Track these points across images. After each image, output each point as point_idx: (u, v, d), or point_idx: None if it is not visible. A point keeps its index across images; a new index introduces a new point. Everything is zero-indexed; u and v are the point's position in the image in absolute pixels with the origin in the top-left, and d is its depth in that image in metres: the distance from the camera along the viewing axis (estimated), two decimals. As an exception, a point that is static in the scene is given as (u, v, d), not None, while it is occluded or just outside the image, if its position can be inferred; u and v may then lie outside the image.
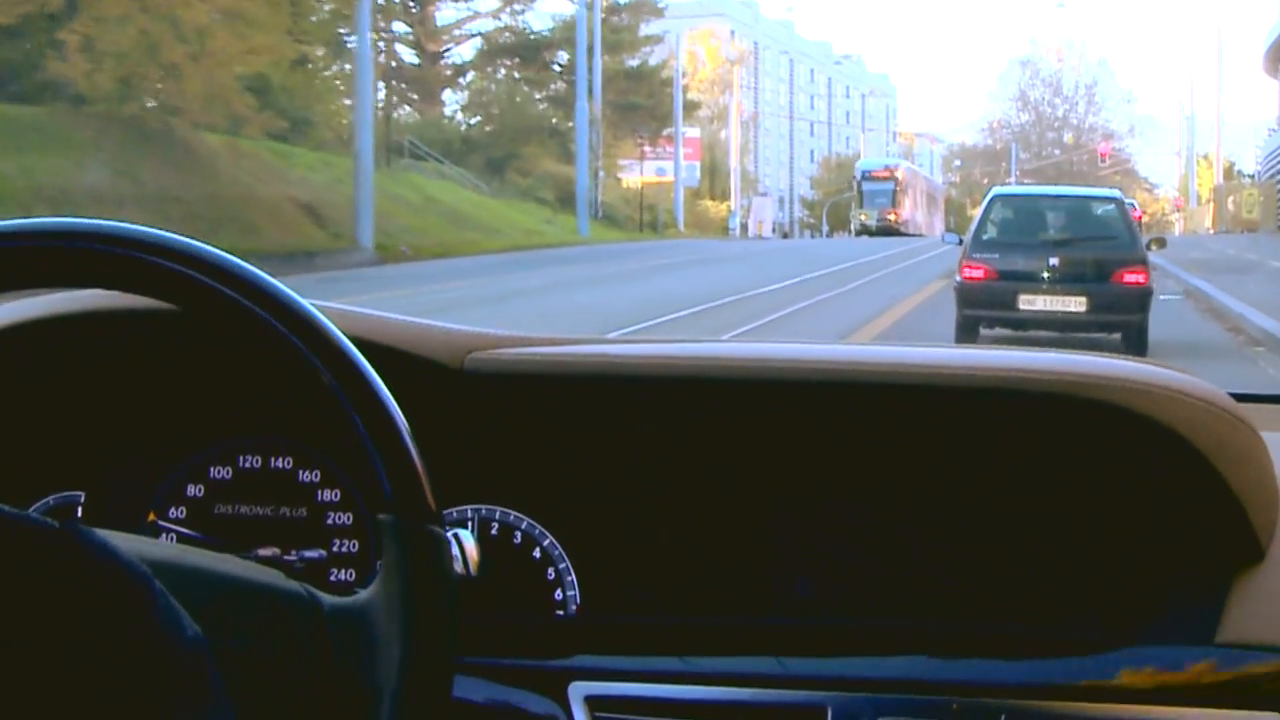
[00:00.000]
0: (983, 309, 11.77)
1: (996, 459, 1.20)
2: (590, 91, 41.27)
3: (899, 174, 55.54)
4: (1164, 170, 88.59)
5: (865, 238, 46.07)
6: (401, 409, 0.87)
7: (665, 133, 52.98)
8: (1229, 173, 69.81)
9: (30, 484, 1.29)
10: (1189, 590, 1.12)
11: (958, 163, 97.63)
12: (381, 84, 40.71)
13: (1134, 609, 1.14)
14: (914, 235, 49.22)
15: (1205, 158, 74.20)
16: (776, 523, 1.24)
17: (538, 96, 48.44)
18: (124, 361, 1.26)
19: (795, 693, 1.09)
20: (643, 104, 51.41)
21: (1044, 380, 1.15)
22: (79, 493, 1.29)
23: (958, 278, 12.03)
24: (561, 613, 1.25)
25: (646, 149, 53.33)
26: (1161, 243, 14.10)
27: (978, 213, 13.12)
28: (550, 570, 1.25)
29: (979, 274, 11.78)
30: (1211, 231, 51.50)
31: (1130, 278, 11.52)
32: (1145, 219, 55.44)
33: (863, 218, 52.87)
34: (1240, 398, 1.23)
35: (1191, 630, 1.08)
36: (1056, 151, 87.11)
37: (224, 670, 0.77)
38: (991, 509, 1.20)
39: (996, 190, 13.82)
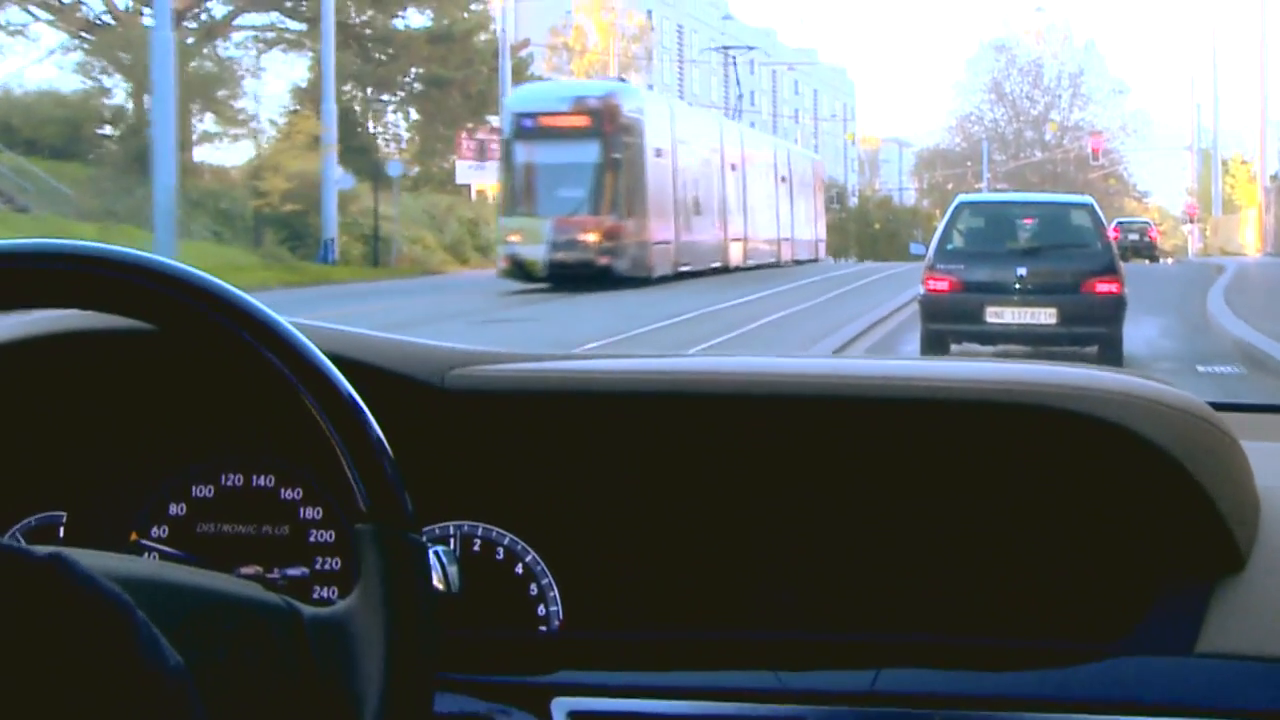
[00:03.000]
0: (948, 322, 13.05)
1: (975, 471, 1.39)
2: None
3: (622, 111, 26.83)
4: (1161, 174, 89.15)
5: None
6: (382, 426, 1.03)
7: (493, 120, 41.80)
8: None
9: (12, 505, 1.48)
10: (1169, 601, 1.28)
11: (926, 175, 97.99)
12: None
13: (1114, 620, 1.30)
14: (720, 269, 31.60)
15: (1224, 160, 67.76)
16: (756, 536, 1.44)
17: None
18: (105, 381, 1.48)
19: (777, 707, 1.25)
20: (450, 77, 42.96)
21: (1022, 392, 1.34)
22: (61, 513, 1.49)
23: (921, 290, 13.38)
24: (544, 628, 1.44)
25: (465, 142, 45.46)
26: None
27: (941, 222, 14.51)
28: (533, 586, 1.45)
29: (943, 286, 13.13)
30: (1258, 253, 46.39)
31: (1103, 287, 12.90)
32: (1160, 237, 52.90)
33: (514, 238, 26.24)
34: (1219, 407, 1.41)
35: (1172, 641, 1.24)
36: (1037, 153, 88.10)
37: (207, 683, 0.90)
38: (971, 521, 1.40)
39: (962, 197, 15.29)
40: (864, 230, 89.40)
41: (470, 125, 45.76)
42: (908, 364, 1.48)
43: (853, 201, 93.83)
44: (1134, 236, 46.07)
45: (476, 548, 1.47)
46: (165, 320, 1.02)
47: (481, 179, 50.50)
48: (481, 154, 44.24)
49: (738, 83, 60.52)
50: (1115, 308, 12.89)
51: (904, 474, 1.41)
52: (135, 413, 1.50)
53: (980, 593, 1.40)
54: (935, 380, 1.39)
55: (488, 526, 1.47)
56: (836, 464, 1.43)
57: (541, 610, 1.46)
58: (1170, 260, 52.24)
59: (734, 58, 59.71)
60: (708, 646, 1.39)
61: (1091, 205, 14.17)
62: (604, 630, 1.44)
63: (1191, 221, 66.92)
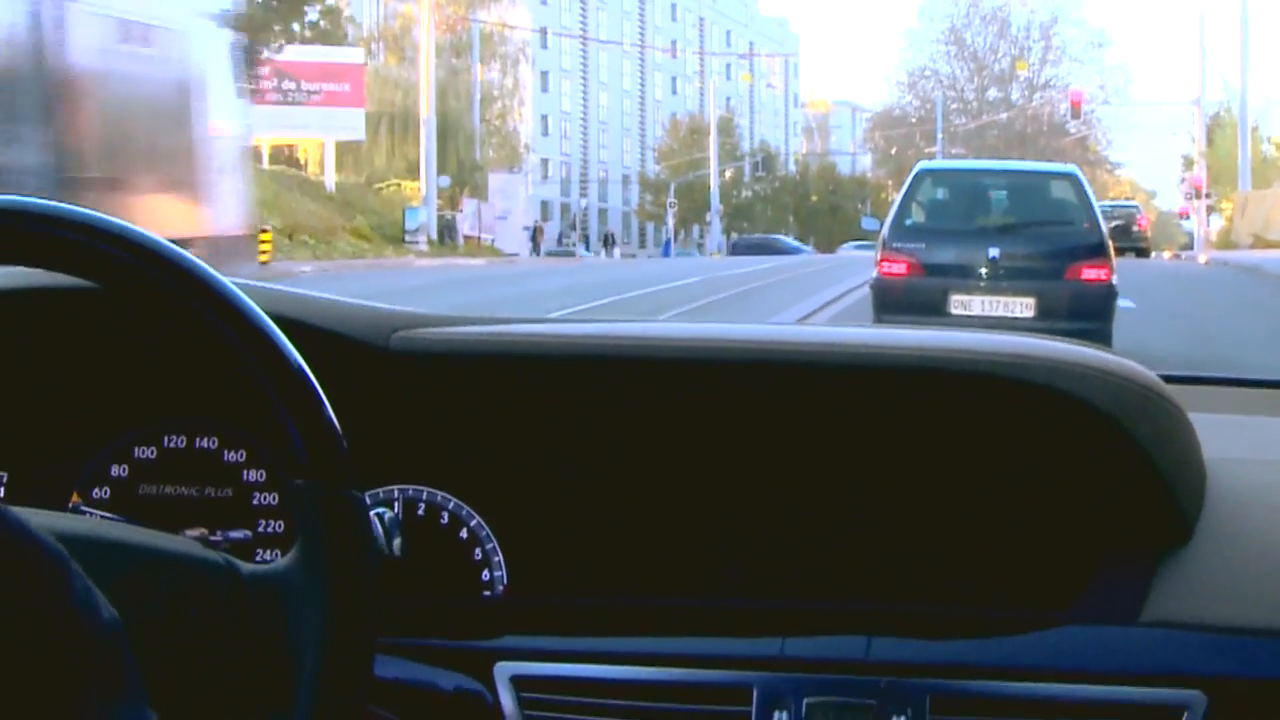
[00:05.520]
0: (904, 313, 12.45)
1: (923, 439, 1.56)
2: None
3: None
4: (1146, 142, 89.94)
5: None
6: (326, 388, 1.15)
7: (288, 50, 41.68)
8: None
9: None
10: (1116, 570, 1.45)
11: (871, 141, 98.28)
12: None
13: (1061, 589, 1.47)
14: None
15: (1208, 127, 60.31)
16: (704, 503, 1.61)
17: None
18: (46, 340, 1.63)
19: (721, 673, 1.41)
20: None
21: (971, 360, 1.50)
22: (2, 473, 1.65)
23: (874, 273, 13.03)
24: (488, 593, 1.61)
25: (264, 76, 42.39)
26: None
27: (899, 193, 14.12)
28: (477, 550, 1.62)
29: (900, 269, 12.74)
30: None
31: (1090, 274, 12.50)
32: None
33: None
34: (1168, 379, 1.57)
35: (1118, 610, 1.40)
36: (1003, 116, 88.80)
37: (144, 640, 0.99)
38: (918, 489, 1.57)
39: (923, 164, 14.90)
40: (801, 203, 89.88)
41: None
42: (863, 331, 1.62)
43: (791, 170, 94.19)
44: (1118, 223, 40.08)
45: (421, 512, 1.63)
46: (106, 278, 1.13)
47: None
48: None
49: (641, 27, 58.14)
50: (1104, 299, 12.52)
51: (852, 441, 1.59)
52: (77, 373, 1.65)
53: (926, 560, 1.57)
54: (888, 347, 1.55)
55: (432, 491, 1.63)
56: (786, 431, 1.59)
57: (486, 575, 1.62)
58: (1169, 256, 46.49)
59: None
60: (652, 612, 1.54)
61: (1076, 175, 13.76)
62: (549, 596, 1.60)
63: (1198, 196, 56.94)
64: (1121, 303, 13.27)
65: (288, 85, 46.79)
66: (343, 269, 33.36)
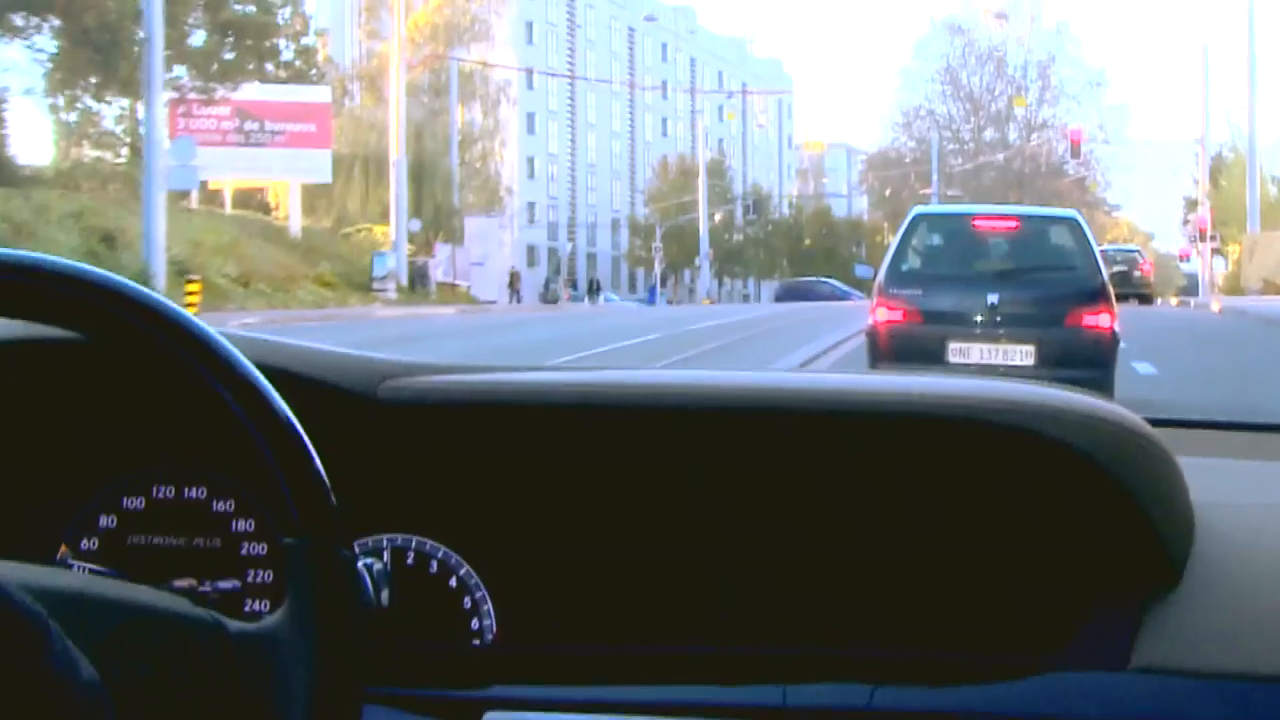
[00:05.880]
0: (901, 361, 12.42)
1: (912, 484, 1.59)
2: None
3: None
4: (1144, 183, 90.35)
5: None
6: (315, 438, 1.19)
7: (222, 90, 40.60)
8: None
9: None
10: (1104, 616, 1.47)
11: (866, 183, 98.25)
12: None
13: (1049, 635, 1.48)
14: None
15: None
16: (695, 550, 1.63)
17: None
18: (34, 391, 1.68)
19: None
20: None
21: (957, 405, 1.55)
22: None
23: (869, 321, 12.95)
24: (478, 642, 1.63)
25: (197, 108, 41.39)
26: None
27: (894, 238, 14.06)
28: (467, 599, 1.64)
29: (897, 316, 12.67)
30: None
31: (1091, 320, 12.48)
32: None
33: None
34: (1155, 422, 1.60)
35: (1107, 656, 1.42)
36: (1000, 157, 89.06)
37: (129, 699, 1.04)
38: (908, 535, 1.60)
39: (919, 209, 14.82)
40: (795, 247, 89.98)
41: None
42: (850, 378, 1.68)
43: (784, 213, 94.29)
44: (1120, 269, 40.23)
45: (410, 560, 1.65)
46: (92, 330, 1.19)
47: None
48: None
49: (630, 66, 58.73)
50: (1107, 346, 12.50)
51: (843, 488, 1.61)
52: (65, 423, 1.69)
53: (915, 607, 1.59)
54: (870, 394, 1.60)
55: (421, 539, 1.65)
56: (777, 478, 1.61)
57: (475, 624, 1.63)
58: (1175, 303, 44.42)
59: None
60: (642, 661, 1.55)
61: (1076, 220, 13.76)
62: (538, 644, 1.62)
63: (1202, 239, 56.36)
64: (1139, 366, 13.07)
65: (250, 126, 46.29)
66: (291, 321, 32.02)
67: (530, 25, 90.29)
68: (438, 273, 51.46)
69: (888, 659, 1.52)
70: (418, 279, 48.78)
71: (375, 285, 44.68)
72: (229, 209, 48.13)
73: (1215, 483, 1.73)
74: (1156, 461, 1.52)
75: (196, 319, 1.18)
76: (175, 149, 31.16)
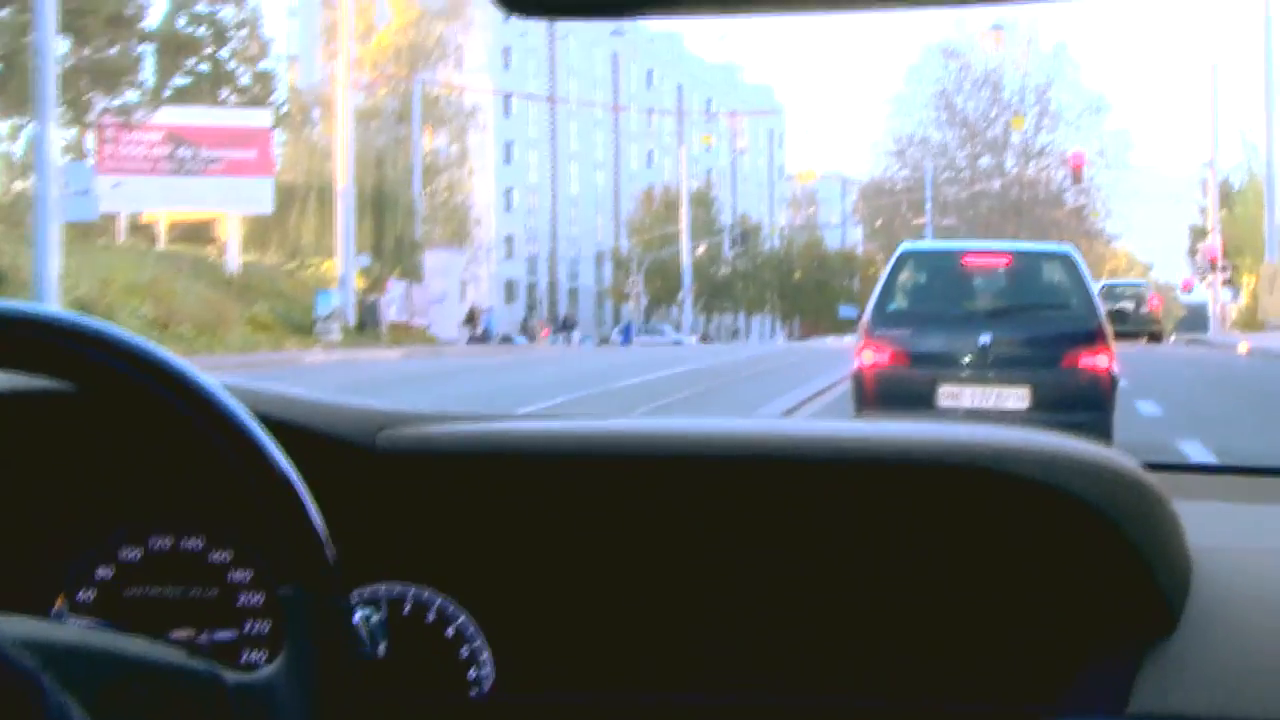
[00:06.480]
0: (888, 406, 12.32)
1: (909, 532, 1.63)
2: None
3: None
4: (1144, 211, 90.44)
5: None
6: (312, 488, 1.25)
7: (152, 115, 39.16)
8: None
9: None
10: (1101, 662, 1.50)
11: (858, 213, 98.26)
12: None
13: (1047, 682, 1.55)
14: None
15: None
16: (691, 599, 1.68)
17: None
18: (29, 443, 1.73)
19: None
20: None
21: (954, 452, 1.60)
22: None
23: (855, 364, 12.79)
24: (475, 692, 1.70)
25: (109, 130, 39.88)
26: None
27: (881, 275, 13.94)
28: (464, 649, 1.70)
29: (884, 358, 12.53)
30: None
31: (1088, 360, 12.35)
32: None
33: None
34: (1152, 467, 1.65)
35: (1104, 702, 1.46)
36: (996, 184, 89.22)
37: None
38: (903, 583, 1.64)
39: (906, 246, 14.79)
40: (785, 280, 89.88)
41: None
42: (846, 425, 1.74)
43: (775, 245, 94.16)
44: (1127, 304, 39.88)
45: (407, 610, 1.70)
46: (87, 381, 1.24)
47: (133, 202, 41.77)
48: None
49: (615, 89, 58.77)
50: (1105, 387, 12.36)
51: (838, 535, 1.65)
52: (61, 475, 1.73)
53: (914, 654, 1.64)
54: (867, 441, 1.65)
55: (419, 589, 1.70)
56: (773, 525, 1.66)
57: (473, 674, 1.69)
58: (1186, 341, 43.05)
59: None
60: (643, 711, 1.64)
61: (1070, 256, 13.60)
62: (535, 694, 1.68)
63: (1213, 270, 53.64)
64: (1185, 445, 12.68)
65: (183, 153, 44.11)
66: (208, 368, 29.48)
67: (508, 50, 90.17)
68: (390, 311, 48.96)
69: (886, 710, 1.60)
70: (368, 318, 46.47)
71: (318, 326, 42.60)
72: (163, 244, 46.36)
73: (1213, 527, 1.77)
74: (1152, 505, 1.56)
75: (195, 370, 1.23)
76: (70, 174, 29.14)
